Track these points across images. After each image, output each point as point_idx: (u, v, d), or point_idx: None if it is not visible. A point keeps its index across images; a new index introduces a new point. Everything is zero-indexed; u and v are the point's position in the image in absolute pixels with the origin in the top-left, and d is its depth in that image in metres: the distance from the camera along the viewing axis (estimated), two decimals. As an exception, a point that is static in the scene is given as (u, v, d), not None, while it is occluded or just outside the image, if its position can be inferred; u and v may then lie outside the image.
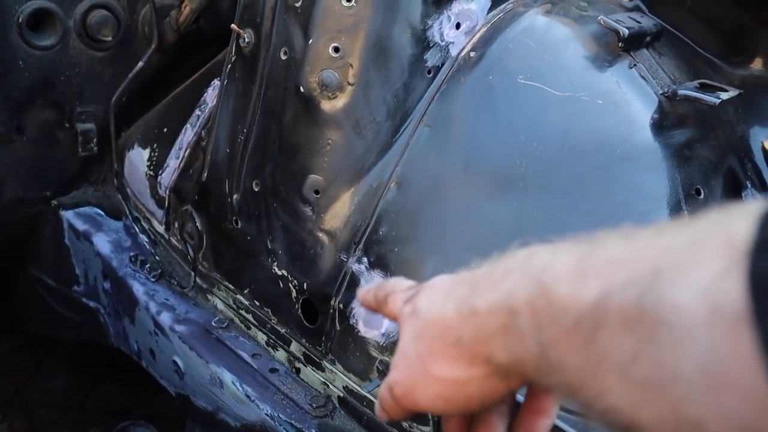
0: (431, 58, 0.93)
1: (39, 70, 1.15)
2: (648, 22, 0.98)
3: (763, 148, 0.99)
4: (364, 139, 0.92)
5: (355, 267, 0.90)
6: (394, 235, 0.88)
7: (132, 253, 1.19)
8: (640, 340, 0.30)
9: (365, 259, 0.89)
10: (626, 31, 0.91)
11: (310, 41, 0.90)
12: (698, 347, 0.27)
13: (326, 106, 0.91)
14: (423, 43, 0.92)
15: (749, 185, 0.98)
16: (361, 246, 0.90)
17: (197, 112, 1.16)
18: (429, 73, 0.94)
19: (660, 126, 0.90)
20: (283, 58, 0.93)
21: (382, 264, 0.88)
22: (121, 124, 1.28)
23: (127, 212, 1.25)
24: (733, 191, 0.95)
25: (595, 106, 0.89)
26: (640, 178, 0.88)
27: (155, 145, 1.19)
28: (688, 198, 0.88)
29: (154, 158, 1.19)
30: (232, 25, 1.00)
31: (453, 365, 0.40)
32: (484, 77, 0.92)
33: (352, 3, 0.88)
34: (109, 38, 1.19)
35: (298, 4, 0.90)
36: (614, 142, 0.88)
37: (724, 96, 0.88)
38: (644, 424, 0.30)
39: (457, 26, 0.95)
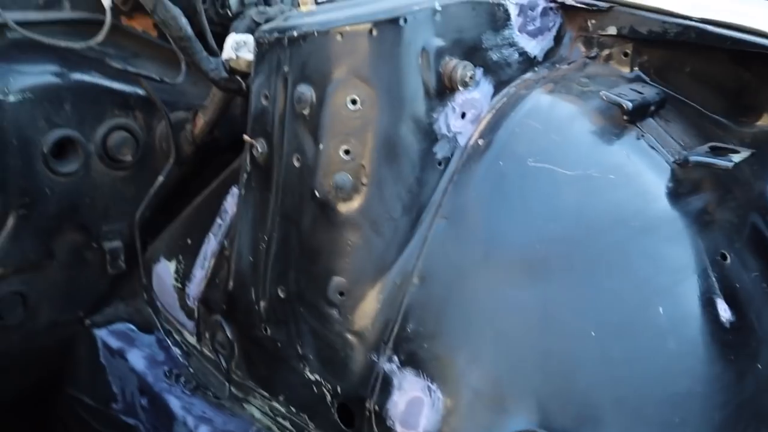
0: (440, 150, 0.95)
1: (65, 196, 1.19)
2: (650, 91, 0.99)
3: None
4: (383, 236, 0.93)
5: (387, 367, 0.89)
6: (423, 331, 0.88)
7: (166, 368, 1.20)
8: None
9: (396, 358, 0.89)
10: (630, 104, 0.92)
11: (321, 146, 0.92)
12: None
13: (342, 208, 0.93)
14: (431, 136, 0.94)
15: None
16: (390, 345, 0.90)
17: (218, 221, 1.18)
18: (440, 164, 0.95)
19: (675, 194, 0.90)
20: (296, 164, 0.95)
21: (413, 362, 0.87)
22: (147, 237, 1.31)
23: (159, 325, 1.27)
24: (761, 250, 0.94)
25: (607, 181, 0.89)
26: (661, 249, 0.87)
27: (180, 257, 1.22)
28: (714, 264, 0.86)
29: (181, 270, 1.21)
30: (245, 136, 1.03)
31: None
32: (495, 164, 0.93)
33: (358, 106, 0.90)
34: (129, 158, 1.23)
35: (305, 112, 0.93)
36: (631, 216, 0.88)
37: (737, 158, 0.88)
38: None
39: (463, 116, 0.97)
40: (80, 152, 1.18)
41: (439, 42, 0.92)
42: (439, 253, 0.91)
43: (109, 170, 1.23)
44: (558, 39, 1.11)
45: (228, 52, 1.10)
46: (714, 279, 0.86)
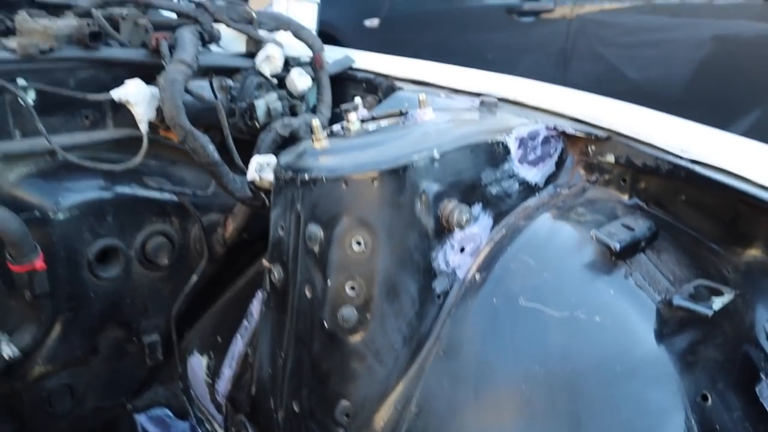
0: (439, 285, 1.02)
1: (107, 298, 1.31)
2: (642, 226, 1.03)
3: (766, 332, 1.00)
4: (385, 366, 1.01)
5: (387, 490, 0.97)
6: (420, 459, 0.95)
7: (196, 456, 1.30)
8: None
9: (395, 481, 0.96)
10: (617, 245, 0.97)
11: (329, 282, 1.00)
12: None
13: (348, 339, 1.01)
14: (430, 273, 1.01)
15: (764, 376, 0.99)
16: (391, 467, 0.97)
17: (245, 323, 1.28)
18: (439, 298, 1.02)
19: (660, 335, 0.94)
20: (308, 295, 1.04)
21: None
22: (183, 326, 1.43)
23: (192, 413, 1.38)
24: (747, 386, 0.97)
25: (593, 323, 0.94)
26: (643, 392, 0.91)
27: (211, 353, 1.32)
28: (695, 407, 0.90)
29: (211, 366, 1.31)
30: (264, 261, 1.12)
31: None
32: (489, 300, 1.00)
33: (362, 248, 0.98)
34: (166, 260, 1.34)
35: (315, 249, 1.01)
36: (614, 359, 0.92)
37: (718, 305, 0.91)
38: None
39: (462, 250, 1.04)
40: (121, 258, 1.30)
41: (437, 187, 0.99)
42: (435, 386, 0.98)
43: (147, 272, 1.34)
44: (560, 163, 1.17)
45: (252, 174, 1.20)
46: (693, 422, 0.90)
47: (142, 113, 1.20)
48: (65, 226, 1.22)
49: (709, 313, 0.90)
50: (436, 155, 0.99)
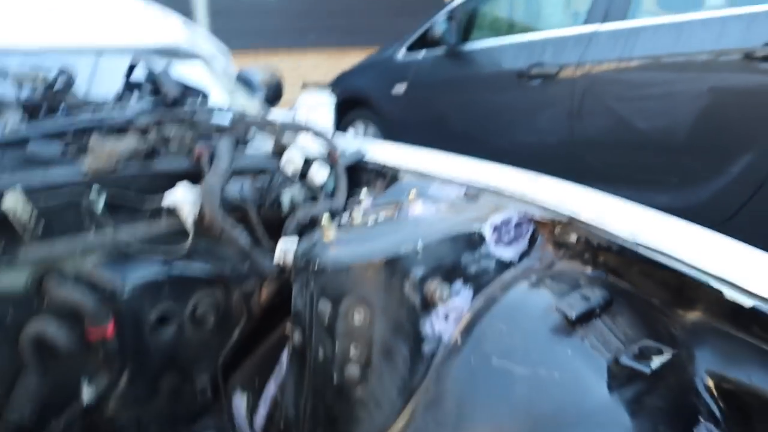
0: (427, 347, 1.25)
1: (165, 353, 1.59)
2: (598, 296, 1.24)
3: (706, 385, 1.20)
4: (384, 412, 1.25)
5: None
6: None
7: (238, 482, 1.57)
8: None
9: None
10: (573, 314, 1.19)
11: (336, 346, 1.26)
12: None
13: (353, 390, 1.26)
14: (418, 338, 1.24)
15: (702, 419, 1.18)
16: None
17: (277, 370, 1.55)
18: (427, 358, 1.26)
19: (609, 388, 1.12)
20: (321, 356, 1.29)
21: None
22: (229, 371, 1.70)
23: (237, 443, 1.64)
24: (687, 429, 1.14)
25: (552, 378, 1.15)
26: (592, 436, 1.12)
27: (250, 394, 1.59)
28: None
29: (250, 404, 1.58)
30: (287, 324, 1.38)
31: None
32: (467, 360, 1.22)
33: (362, 320, 1.23)
34: (212, 321, 1.62)
35: (325, 320, 1.27)
36: (569, 408, 1.10)
37: (655, 364, 1.11)
38: None
39: (446, 318, 1.27)
40: (175, 321, 1.58)
41: (422, 271, 1.23)
42: (422, 430, 1.22)
43: (197, 330, 1.62)
44: (532, 242, 1.40)
45: (278, 256, 1.47)
46: None
47: (188, 213, 1.48)
48: (130, 301, 1.50)
49: (647, 371, 1.10)
50: (419, 247, 1.23)
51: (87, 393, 1.49)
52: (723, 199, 2.95)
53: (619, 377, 1.14)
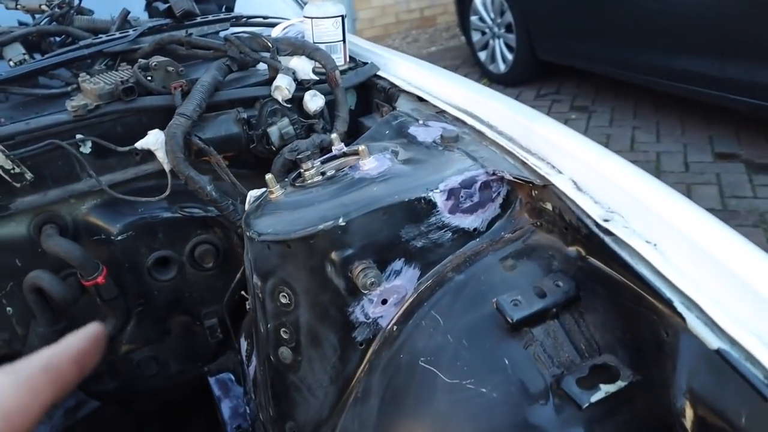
0: (360, 334, 1.11)
1: (168, 294, 1.59)
2: (561, 290, 0.99)
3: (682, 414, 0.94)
4: (317, 398, 1.15)
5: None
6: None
7: (238, 423, 1.57)
8: None
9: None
10: (513, 317, 0.97)
11: (269, 326, 1.15)
12: None
13: (289, 373, 1.16)
14: (348, 325, 1.10)
15: None
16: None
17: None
18: (362, 345, 1.11)
19: (545, 415, 0.93)
20: (262, 331, 1.19)
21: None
22: (238, 312, 1.67)
23: (244, 383, 1.64)
24: None
25: (478, 394, 0.97)
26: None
27: (249, 342, 1.55)
28: None
29: (249, 351, 1.55)
30: (242, 292, 1.30)
31: None
32: (397, 354, 1.07)
33: (287, 301, 1.10)
34: (212, 263, 1.58)
35: (259, 296, 1.15)
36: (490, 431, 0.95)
37: (596, 398, 0.89)
38: None
39: (384, 301, 1.10)
40: (175, 263, 1.56)
41: (345, 252, 1.05)
42: (349, 426, 1.10)
43: (198, 272, 1.59)
44: (506, 205, 1.14)
45: (248, 207, 1.35)
46: None
47: (163, 157, 1.39)
48: (124, 243, 1.49)
49: (583, 405, 0.89)
50: (342, 222, 1.04)
51: (96, 333, 1.55)
52: None
53: (561, 401, 0.94)
